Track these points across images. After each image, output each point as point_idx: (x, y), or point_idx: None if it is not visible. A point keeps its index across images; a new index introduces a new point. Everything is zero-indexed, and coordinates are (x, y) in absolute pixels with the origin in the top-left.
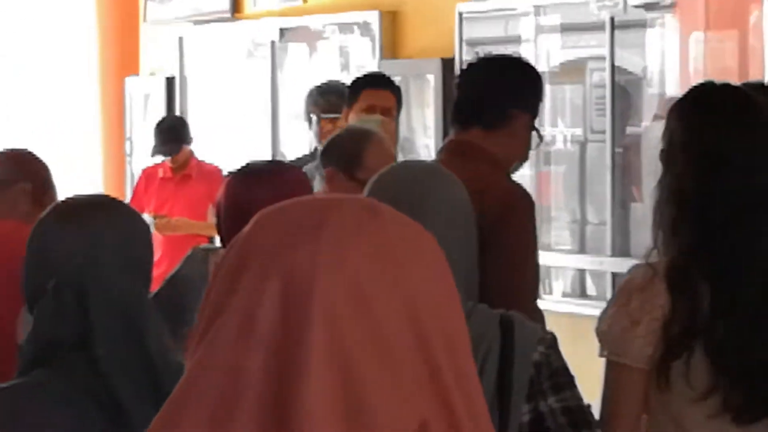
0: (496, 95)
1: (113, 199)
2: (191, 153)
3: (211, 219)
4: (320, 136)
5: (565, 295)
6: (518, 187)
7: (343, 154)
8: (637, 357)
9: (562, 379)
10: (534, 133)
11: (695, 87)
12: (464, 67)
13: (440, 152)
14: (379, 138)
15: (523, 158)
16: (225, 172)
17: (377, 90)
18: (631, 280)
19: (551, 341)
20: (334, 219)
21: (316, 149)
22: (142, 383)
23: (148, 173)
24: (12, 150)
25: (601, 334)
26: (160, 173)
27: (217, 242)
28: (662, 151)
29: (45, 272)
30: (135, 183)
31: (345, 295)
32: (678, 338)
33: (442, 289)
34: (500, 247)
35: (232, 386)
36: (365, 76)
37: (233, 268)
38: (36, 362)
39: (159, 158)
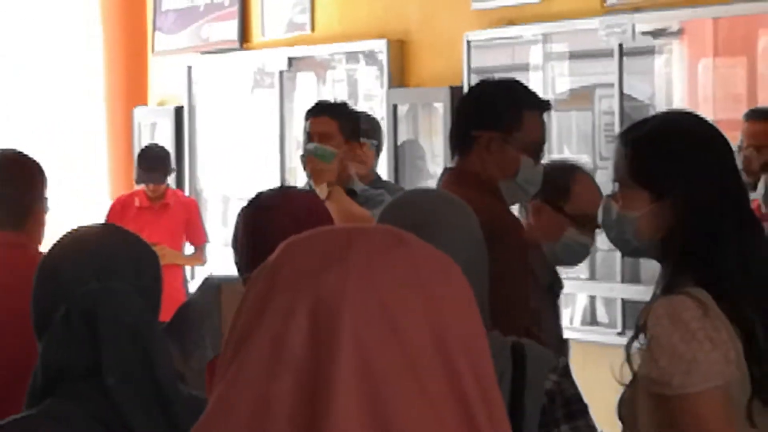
0: (458, 121)
1: (123, 229)
2: (167, 184)
3: (187, 250)
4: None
5: (575, 322)
6: (507, 213)
7: (551, 186)
8: (717, 376)
9: (575, 407)
10: (514, 146)
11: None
12: None
13: (438, 182)
14: (584, 171)
15: (513, 175)
16: (233, 203)
17: (314, 117)
18: (689, 309)
19: (564, 369)
20: (361, 245)
21: (377, 176)
22: (153, 412)
23: (123, 201)
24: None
25: (677, 370)
26: (137, 202)
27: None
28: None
29: (55, 298)
30: (107, 211)
31: (373, 319)
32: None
33: (468, 315)
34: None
35: (261, 409)
36: (310, 106)
37: (262, 293)
38: (46, 391)
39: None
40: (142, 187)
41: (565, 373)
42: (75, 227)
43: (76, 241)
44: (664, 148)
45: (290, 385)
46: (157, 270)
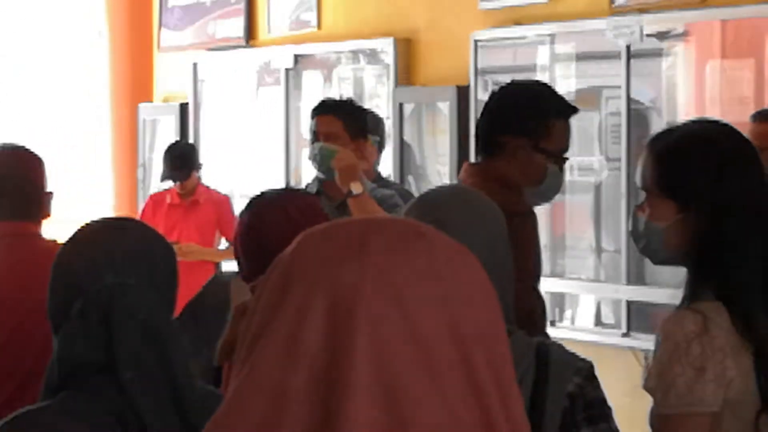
0: (485, 125)
1: (139, 222)
2: (199, 179)
3: (219, 245)
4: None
5: (580, 323)
6: (523, 203)
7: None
8: (711, 402)
9: (597, 411)
10: (541, 154)
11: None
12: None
13: (459, 175)
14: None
15: (538, 182)
16: (237, 200)
17: (319, 116)
18: (684, 329)
19: (588, 372)
20: (379, 239)
21: (379, 173)
22: (167, 408)
23: (156, 199)
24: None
25: (659, 390)
26: (168, 199)
27: (228, 267)
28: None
29: (71, 294)
30: (142, 208)
31: (390, 313)
32: None
33: (486, 309)
34: None
35: (277, 404)
36: (316, 104)
37: (277, 288)
38: (62, 385)
39: (168, 183)
40: (175, 184)
41: (590, 376)
42: (89, 221)
43: (91, 235)
44: (691, 158)
45: (305, 381)
46: (172, 265)
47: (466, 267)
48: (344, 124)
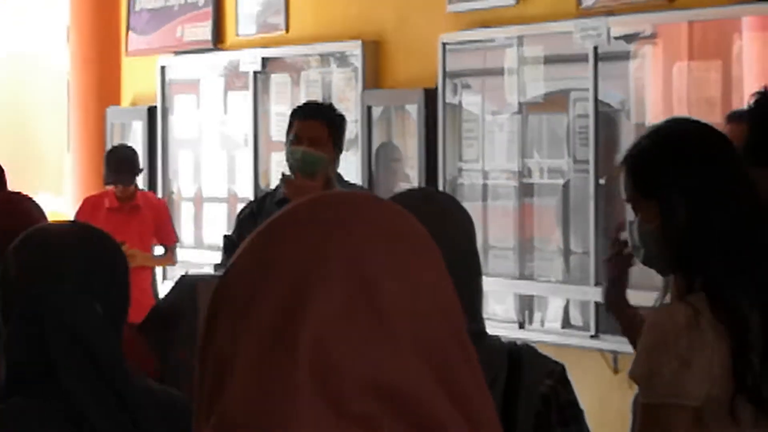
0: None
1: (81, 225)
2: (137, 183)
3: (158, 251)
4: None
5: (549, 325)
6: None
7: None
8: (694, 395)
9: (569, 413)
10: None
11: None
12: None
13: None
14: None
15: None
16: (205, 204)
17: (304, 120)
18: (674, 321)
19: (560, 374)
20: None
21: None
22: (111, 409)
23: (93, 202)
24: None
25: (643, 378)
26: (107, 203)
27: (173, 274)
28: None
29: (10, 300)
30: (76, 211)
31: (350, 275)
32: (744, 373)
33: (440, 275)
34: None
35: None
36: (298, 107)
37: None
38: (11, 389)
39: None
40: (111, 188)
41: (562, 378)
42: (34, 227)
43: (29, 242)
44: (657, 154)
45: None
46: (117, 266)
47: (416, 230)
48: (329, 131)
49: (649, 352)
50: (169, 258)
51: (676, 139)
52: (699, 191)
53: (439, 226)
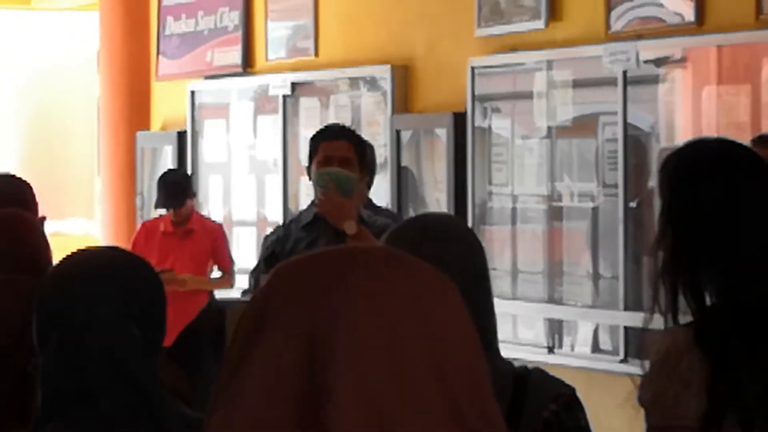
0: None
1: (118, 251)
2: (193, 208)
3: (212, 273)
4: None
5: (578, 349)
6: None
7: None
8: (693, 416)
9: None
10: None
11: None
12: None
13: None
14: None
15: None
16: (235, 227)
17: (331, 141)
18: (675, 343)
19: (567, 399)
20: (357, 267)
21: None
22: None
23: (149, 227)
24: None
25: (649, 403)
26: (162, 227)
27: (232, 294)
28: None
29: (48, 326)
30: (134, 236)
31: (370, 340)
32: (723, 402)
33: (463, 332)
34: None
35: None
36: (321, 129)
37: (257, 319)
38: (48, 414)
39: (161, 211)
40: (168, 212)
41: (569, 403)
42: (74, 251)
43: (69, 266)
44: (661, 173)
45: (287, 412)
46: (154, 291)
47: (443, 290)
48: (356, 150)
49: (653, 376)
50: (225, 281)
51: (672, 157)
52: (684, 210)
53: (440, 261)
